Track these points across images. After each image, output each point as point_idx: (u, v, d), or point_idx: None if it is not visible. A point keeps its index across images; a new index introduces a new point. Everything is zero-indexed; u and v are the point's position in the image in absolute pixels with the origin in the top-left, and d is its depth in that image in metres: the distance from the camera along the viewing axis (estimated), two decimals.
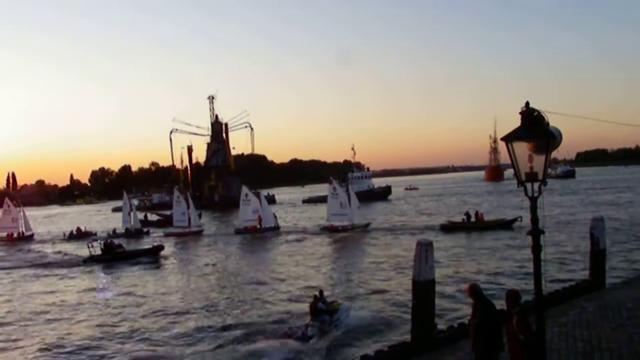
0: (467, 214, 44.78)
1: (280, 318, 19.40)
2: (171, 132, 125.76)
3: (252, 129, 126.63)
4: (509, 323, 7.52)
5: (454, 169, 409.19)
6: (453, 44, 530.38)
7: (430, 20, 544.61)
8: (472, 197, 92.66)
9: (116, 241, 42.43)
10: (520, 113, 6.11)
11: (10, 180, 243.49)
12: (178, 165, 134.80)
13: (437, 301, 18.90)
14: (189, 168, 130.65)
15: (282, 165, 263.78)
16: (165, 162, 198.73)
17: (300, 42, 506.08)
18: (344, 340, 16.09)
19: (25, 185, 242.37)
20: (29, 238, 61.75)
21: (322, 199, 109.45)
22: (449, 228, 43.58)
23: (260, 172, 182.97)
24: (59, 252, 46.52)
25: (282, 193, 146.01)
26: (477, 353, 8.14)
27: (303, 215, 74.14)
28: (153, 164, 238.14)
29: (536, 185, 6.14)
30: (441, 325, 13.54)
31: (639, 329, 10.94)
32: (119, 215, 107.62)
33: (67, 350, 17.69)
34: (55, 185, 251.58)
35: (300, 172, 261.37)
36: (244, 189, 54.15)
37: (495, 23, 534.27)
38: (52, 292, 28.55)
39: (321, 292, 18.25)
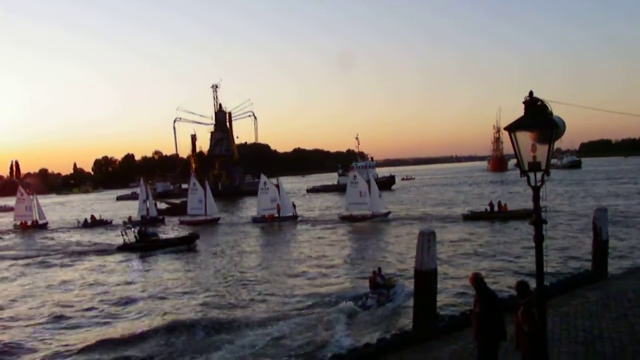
0: (491, 204, 44.25)
1: (337, 291, 21.56)
2: (175, 121, 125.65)
3: (255, 118, 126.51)
4: (516, 312, 7.56)
5: (457, 159, 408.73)
6: (457, 34, 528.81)
7: (434, 10, 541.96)
8: (477, 187, 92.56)
9: (150, 229, 41.63)
10: (524, 102, 6.07)
11: (14, 169, 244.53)
12: (182, 154, 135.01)
13: (448, 290, 19.61)
14: (192, 157, 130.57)
15: (285, 154, 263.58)
16: (168, 151, 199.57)
17: (304, 32, 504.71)
18: (397, 312, 17.88)
19: (28, 174, 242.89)
20: (43, 226, 61.12)
21: (326, 189, 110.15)
22: (471, 217, 43.07)
23: (264, 161, 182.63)
24: (87, 240, 46.14)
25: (284, 183, 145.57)
26: (479, 343, 8.18)
27: (309, 205, 73.53)
28: (156, 152, 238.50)
29: (539, 174, 6.11)
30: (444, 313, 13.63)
31: None
32: (124, 203, 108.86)
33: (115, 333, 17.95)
34: (59, 174, 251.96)
35: (304, 161, 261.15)
36: (262, 177, 53.59)
37: (499, 13, 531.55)
38: (90, 281, 27.96)
39: (379, 268, 20.45)
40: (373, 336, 14.25)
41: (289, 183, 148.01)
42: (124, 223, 56.81)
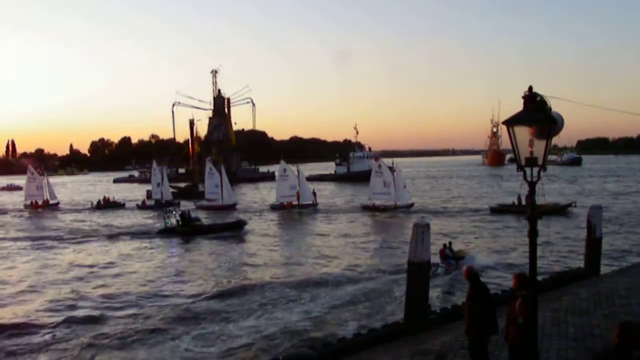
0: (519, 197, 42.48)
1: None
2: (173, 105, 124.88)
3: (253, 104, 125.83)
4: (512, 304, 7.55)
5: (454, 152, 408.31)
6: (457, 28, 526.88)
7: (435, 3, 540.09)
8: (475, 180, 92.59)
9: (193, 213, 39.73)
10: (523, 97, 6.04)
11: (10, 148, 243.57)
12: (179, 139, 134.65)
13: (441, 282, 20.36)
14: (196, 141, 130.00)
15: (282, 142, 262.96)
16: (164, 135, 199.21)
17: (305, 20, 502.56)
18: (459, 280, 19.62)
19: (24, 154, 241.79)
20: (54, 206, 60.20)
21: (322, 178, 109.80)
22: (498, 211, 42.19)
23: (261, 148, 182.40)
24: (117, 222, 45.34)
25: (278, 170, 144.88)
26: (470, 336, 8.20)
27: None
28: (153, 136, 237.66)
29: (535, 170, 6.09)
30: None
31: (631, 317, 11.00)
32: (122, 186, 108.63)
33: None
34: (55, 154, 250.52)
35: (300, 150, 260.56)
36: (282, 164, 52.62)
37: (504, 8, 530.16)
38: (129, 263, 27.46)
39: (450, 242, 23.01)
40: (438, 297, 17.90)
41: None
42: (137, 206, 56.47)
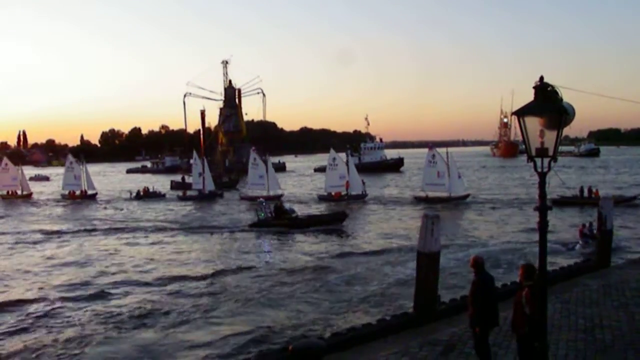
0: (581, 189, 41.75)
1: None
2: (185, 96, 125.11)
3: (264, 95, 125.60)
4: (518, 293, 7.58)
5: (464, 143, 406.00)
6: (468, 21, 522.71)
7: None
8: (501, 171, 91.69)
9: (287, 205, 37.73)
10: (534, 87, 6.00)
11: (21, 139, 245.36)
12: (190, 129, 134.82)
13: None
14: (201, 132, 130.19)
15: (292, 133, 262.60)
16: (174, 126, 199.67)
17: (319, 11, 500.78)
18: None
19: (35, 144, 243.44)
20: (92, 197, 59.64)
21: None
22: (560, 203, 39.32)
23: (271, 139, 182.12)
24: (179, 214, 43.85)
25: (287, 161, 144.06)
26: (472, 327, 8.30)
27: (316, 185, 69.77)
28: (163, 127, 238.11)
29: (546, 161, 6.06)
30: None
31: None
32: (134, 177, 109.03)
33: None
34: (66, 145, 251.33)
35: (310, 140, 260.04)
36: (332, 153, 50.77)
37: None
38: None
39: (590, 223, 24.54)
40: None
41: (290, 162, 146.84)
42: (178, 197, 56.43)
